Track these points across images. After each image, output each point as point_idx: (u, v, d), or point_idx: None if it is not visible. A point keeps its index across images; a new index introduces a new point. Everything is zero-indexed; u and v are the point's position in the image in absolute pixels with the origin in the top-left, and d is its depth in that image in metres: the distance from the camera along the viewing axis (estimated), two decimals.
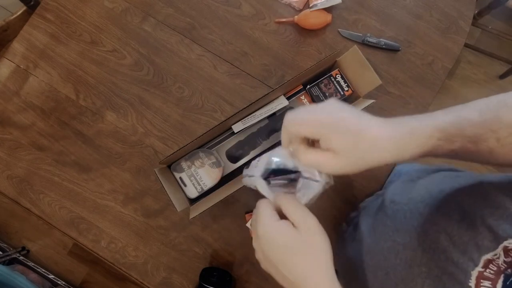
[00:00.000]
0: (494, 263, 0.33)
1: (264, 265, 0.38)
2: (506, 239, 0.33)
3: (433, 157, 0.37)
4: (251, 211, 0.72)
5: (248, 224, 0.71)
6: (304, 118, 0.35)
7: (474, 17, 1.36)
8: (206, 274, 0.69)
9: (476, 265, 0.34)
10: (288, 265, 0.35)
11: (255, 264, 0.72)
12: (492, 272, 0.33)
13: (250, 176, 0.44)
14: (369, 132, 0.34)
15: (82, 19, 0.76)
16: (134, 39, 0.76)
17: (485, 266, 0.33)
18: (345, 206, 0.74)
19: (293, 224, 0.36)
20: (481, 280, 0.33)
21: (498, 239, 0.34)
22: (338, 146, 0.33)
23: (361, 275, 0.53)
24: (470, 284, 0.33)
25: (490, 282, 0.32)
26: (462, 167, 0.57)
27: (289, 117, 0.36)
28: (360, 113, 0.35)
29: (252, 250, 0.74)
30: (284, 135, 0.38)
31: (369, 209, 0.63)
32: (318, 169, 0.37)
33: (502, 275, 0.32)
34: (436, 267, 0.38)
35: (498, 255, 0.33)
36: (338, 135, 0.33)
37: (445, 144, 0.34)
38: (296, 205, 0.37)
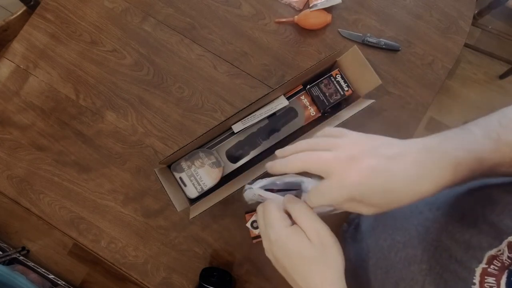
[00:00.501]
0: (498, 259, 0.33)
1: (276, 266, 0.38)
2: (510, 235, 0.33)
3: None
4: (251, 211, 0.72)
5: (248, 224, 0.71)
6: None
7: (474, 17, 1.36)
8: (206, 274, 0.69)
9: (480, 262, 0.34)
10: (302, 274, 0.35)
11: (255, 264, 0.72)
12: (496, 268, 0.33)
13: (251, 187, 0.43)
14: (397, 183, 0.32)
15: (82, 19, 0.76)
16: (134, 39, 0.76)
17: (489, 262, 0.33)
18: None
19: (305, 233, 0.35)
20: (485, 277, 0.33)
21: (501, 235, 0.33)
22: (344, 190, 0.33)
23: (361, 275, 0.53)
24: (474, 281, 0.33)
25: (494, 279, 0.32)
26: None
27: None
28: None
29: (252, 250, 0.74)
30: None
31: None
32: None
33: (506, 271, 0.32)
34: (437, 265, 0.38)
35: (502, 251, 0.33)
36: (368, 203, 0.33)
37: (479, 167, 0.32)
38: (308, 215, 0.35)
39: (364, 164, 0.32)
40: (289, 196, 0.38)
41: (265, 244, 0.38)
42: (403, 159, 0.31)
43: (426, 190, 0.31)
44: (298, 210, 0.36)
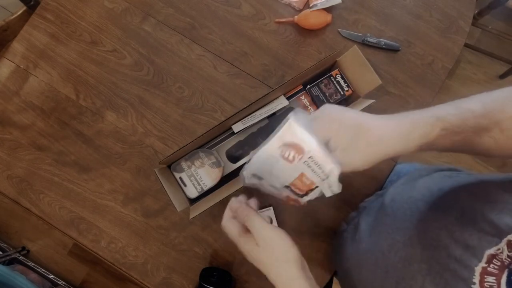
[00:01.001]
0: (497, 258, 0.33)
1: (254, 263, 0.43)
2: (509, 233, 0.33)
3: (439, 151, 0.37)
4: None
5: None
6: (318, 123, 0.38)
7: (474, 17, 1.36)
8: (206, 274, 0.69)
9: (480, 261, 0.34)
10: (264, 271, 0.41)
11: None
12: (496, 267, 0.33)
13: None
14: (373, 125, 0.35)
15: (82, 19, 0.76)
16: (134, 39, 0.76)
17: (489, 261, 0.33)
18: (344, 206, 0.74)
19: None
20: (485, 276, 0.33)
21: (501, 233, 0.33)
22: (345, 141, 0.35)
23: (361, 274, 0.53)
24: (474, 280, 0.33)
25: (494, 278, 0.32)
26: (463, 168, 0.57)
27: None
28: (361, 112, 0.37)
29: None
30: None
31: (369, 209, 0.63)
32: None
33: (506, 270, 0.32)
34: (437, 264, 0.38)
35: (501, 249, 0.33)
36: (344, 131, 0.35)
37: (449, 135, 0.35)
38: (252, 220, 0.40)
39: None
40: (235, 206, 0.43)
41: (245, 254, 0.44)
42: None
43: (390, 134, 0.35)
44: (244, 220, 0.41)
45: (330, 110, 0.38)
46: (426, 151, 0.37)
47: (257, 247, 0.40)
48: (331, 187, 0.39)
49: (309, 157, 0.38)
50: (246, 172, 0.42)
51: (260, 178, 0.42)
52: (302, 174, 0.39)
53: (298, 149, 0.38)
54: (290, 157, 0.38)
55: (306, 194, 0.40)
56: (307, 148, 0.37)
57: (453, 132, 0.35)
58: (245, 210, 0.42)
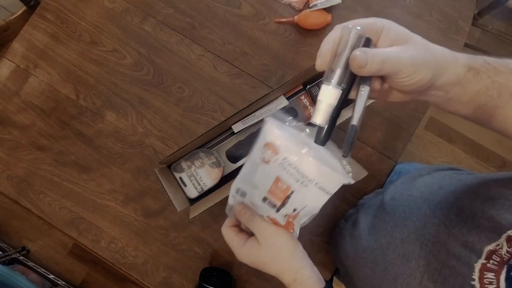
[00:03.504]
0: (497, 253, 0.33)
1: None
2: (509, 229, 0.33)
3: (479, 104, 0.35)
4: None
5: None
6: (359, 19, 0.33)
7: (474, 17, 1.36)
8: (206, 274, 0.69)
9: (479, 257, 0.34)
10: (265, 270, 0.42)
11: None
12: (495, 263, 0.32)
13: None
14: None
15: (82, 19, 0.76)
16: (134, 39, 0.76)
17: (488, 257, 0.33)
18: (344, 206, 0.74)
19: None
20: (485, 272, 0.33)
21: (500, 229, 0.33)
22: (400, 31, 0.32)
23: (360, 271, 0.53)
24: (473, 276, 0.33)
25: (493, 274, 0.32)
26: (463, 168, 0.57)
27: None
28: None
29: None
30: (332, 33, 0.33)
31: (368, 207, 0.63)
32: (394, 66, 0.30)
33: (506, 266, 0.32)
34: (435, 261, 0.38)
35: (501, 245, 0.33)
36: (394, 24, 0.33)
37: (492, 70, 0.33)
38: (256, 221, 0.41)
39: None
40: (239, 208, 0.43)
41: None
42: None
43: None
44: (247, 221, 0.42)
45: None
46: (468, 91, 0.33)
47: (259, 246, 0.41)
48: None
49: (283, 158, 0.36)
50: (231, 189, 0.42)
51: (243, 194, 0.43)
52: (277, 179, 0.38)
53: (274, 149, 0.37)
54: (266, 158, 0.37)
55: (283, 204, 0.39)
56: (282, 148, 0.36)
57: (495, 69, 0.33)
58: (248, 212, 0.42)
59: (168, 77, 0.76)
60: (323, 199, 0.38)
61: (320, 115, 0.32)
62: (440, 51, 0.33)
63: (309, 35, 0.78)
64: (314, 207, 0.39)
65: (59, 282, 1.39)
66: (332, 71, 0.31)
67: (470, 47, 1.57)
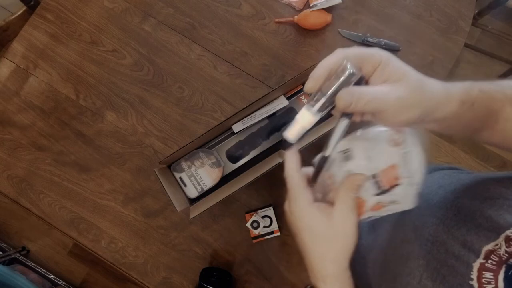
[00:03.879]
0: (495, 253, 0.33)
1: (291, 227, 0.39)
2: (508, 228, 0.33)
3: (472, 129, 0.36)
4: (251, 211, 0.72)
5: (248, 224, 0.71)
6: (356, 47, 0.33)
7: (474, 17, 1.36)
8: (206, 274, 0.69)
9: (478, 257, 0.34)
10: (310, 249, 0.37)
11: (255, 264, 0.72)
12: (493, 263, 0.33)
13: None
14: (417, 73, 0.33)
15: (82, 19, 0.76)
16: (134, 39, 0.76)
17: (486, 257, 0.33)
18: None
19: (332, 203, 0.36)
20: (483, 272, 0.33)
21: (499, 229, 0.33)
22: (396, 69, 0.31)
23: (359, 271, 0.53)
24: (471, 276, 0.33)
25: (492, 274, 0.32)
26: (463, 167, 0.57)
27: (343, 49, 0.33)
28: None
29: (252, 250, 0.74)
30: (332, 58, 0.33)
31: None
32: (380, 105, 0.31)
33: (504, 266, 0.32)
34: (434, 260, 0.38)
35: (499, 245, 0.33)
36: (401, 64, 0.32)
37: (487, 99, 0.34)
38: (346, 200, 0.36)
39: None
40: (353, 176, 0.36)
41: (286, 209, 0.39)
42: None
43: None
44: (345, 189, 0.36)
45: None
46: (462, 126, 0.34)
47: (328, 219, 0.35)
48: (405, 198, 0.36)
49: (405, 152, 0.35)
50: (338, 144, 0.35)
51: (348, 157, 0.37)
52: (393, 166, 0.36)
53: (402, 137, 0.36)
54: (397, 140, 0.36)
55: (388, 190, 0.36)
56: (408, 142, 0.36)
57: (491, 97, 0.34)
58: (361, 180, 0.36)
59: (168, 77, 0.76)
60: (408, 206, 0.38)
61: (294, 134, 0.34)
62: (434, 89, 0.32)
63: (309, 35, 0.78)
64: (401, 208, 0.37)
65: (59, 282, 1.39)
66: (317, 98, 0.33)
67: (470, 47, 1.58)
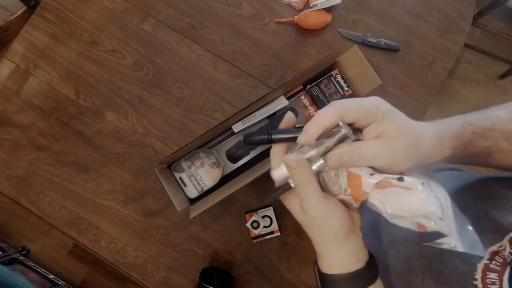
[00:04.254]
0: (500, 254, 0.33)
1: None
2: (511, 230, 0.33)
3: (467, 163, 0.37)
4: (251, 211, 0.72)
5: (248, 224, 0.71)
6: (358, 99, 0.33)
7: (474, 17, 1.36)
8: (206, 274, 0.69)
9: (482, 258, 0.34)
10: (305, 230, 0.37)
11: (255, 264, 0.72)
12: (498, 264, 0.33)
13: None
14: (415, 122, 0.33)
15: (82, 19, 0.76)
16: (134, 39, 0.76)
17: (491, 258, 0.33)
18: None
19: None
20: (487, 273, 0.33)
21: (503, 230, 0.33)
22: (391, 126, 0.31)
23: None
24: (476, 276, 0.33)
25: (496, 274, 0.32)
26: (464, 168, 0.57)
27: (340, 100, 0.33)
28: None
29: (252, 250, 0.74)
30: (328, 116, 0.32)
31: (369, 206, 0.62)
32: (370, 163, 0.31)
33: (508, 267, 0.32)
34: (437, 260, 0.38)
35: (504, 246, 0.33)
36: (396, 117, 0.32)
37: (479, 139, 0.34)
38: (301, 188, 0.34)
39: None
40: (292, 161, 0.34)
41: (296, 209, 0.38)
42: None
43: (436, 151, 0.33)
44: (297, 184, 0.34)
45: (380, 99, 0.34)
46: (455, 161, 0.36)
47: (302, 211, 0.35)
48: None
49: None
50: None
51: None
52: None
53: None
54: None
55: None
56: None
57: (483, 136, 0.35)
58: (301, 175, 0.33)
59: (168, 77, 0.76)
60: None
61: (280, 175, 0.35)
62: (427, 142, 0.33)
63: (309, 35, 0.78)
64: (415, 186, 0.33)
65: (59, 282, 1.39)
66: (307, 150, 0.33)
67: (470, 47, 1.58)
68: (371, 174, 0.32)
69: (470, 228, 0.31)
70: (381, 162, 0.31)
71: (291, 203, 0.36)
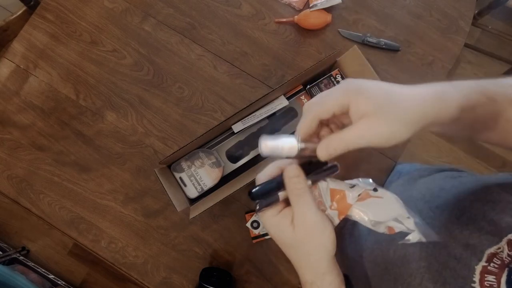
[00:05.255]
0: (498, 256, 0.33)
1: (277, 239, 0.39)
2: (510, 232, 0.33)
3: (474, 132, 0.36)
4: (251, 211, 0.72)
5: (248, 224, 0.71)
6: (327, 94, 0.32)
7: (474, 17, 1.36)
8: (206, 274, 0.69)
9: (480, 260, 0.34)
10: (287, 253, 0.37)
11: (255, 264, 0.72)
12: (496, 266, 0.33)
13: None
14: (400, 89, 0.31)
15: (82, 19, 0.76)
16: (134, 39, 0.76)
17: (489, 260, 0.33)
18: None
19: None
20: (485, 275, 0.33)
21: (501, 233, 0.33)
22: (371, 105, 0.29)
23: (359, 271, 0.53)
24: (474, 279, 0.33)
25: (494, 277, 0.32)
26: (464, 168, 0.57)
27: (310, 100, 0.33)
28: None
29: (252, 250, 0.74)
30: (306, 122, 0.33)
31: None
32: (359, 146, 0.31)
33: (506, 269, 0.32)
34: (436, 262, 0.38)
35: (502, 248, 0.33)
36: (368, 95, 0.30)
37: (488, 102, 0.33)
38: (299, 196, 0.34)
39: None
40: (291, 170, 0.35)
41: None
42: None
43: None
44: (291, 189, 0.35)
45: (350, 80, 0.33)
46: (462, 126, 0.34)
47: (291, 227, 0.34)
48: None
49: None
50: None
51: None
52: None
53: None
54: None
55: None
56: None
57: (492, 99, 0.33)
58: (300, 184, 0.34)
59: (168, 77, 0.76)
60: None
61: (269, 147, 0.35)
62: (415, 106, 0.30)
63: (309, 35, 0.78)
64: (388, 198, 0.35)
65: (59, 282, 1.39)
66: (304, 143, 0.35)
67: (470, 47, 1.58)
68: (351, 187, 0.34)
69: (417, 220, 0.32)
70: (372, 142, 0.30)
71: (274, 221, 0.36)
